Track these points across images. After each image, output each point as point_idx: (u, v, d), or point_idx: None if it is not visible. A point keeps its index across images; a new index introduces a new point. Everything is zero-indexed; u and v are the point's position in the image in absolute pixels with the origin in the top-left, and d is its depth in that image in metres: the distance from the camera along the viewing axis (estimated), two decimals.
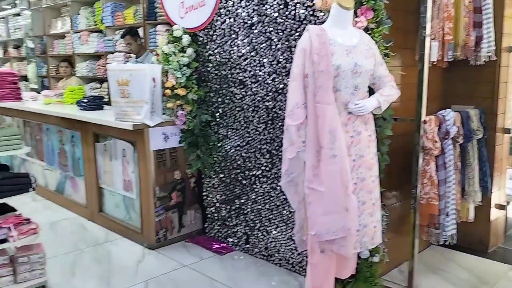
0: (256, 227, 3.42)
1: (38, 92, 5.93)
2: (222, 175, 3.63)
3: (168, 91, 3.53)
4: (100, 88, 6.60)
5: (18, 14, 8.32)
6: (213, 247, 3.64)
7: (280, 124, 3.09)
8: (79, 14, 6.59)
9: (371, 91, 2.49)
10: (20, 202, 2.84)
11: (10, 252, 2.75)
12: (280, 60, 3.03)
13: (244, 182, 3.45)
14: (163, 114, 3.65)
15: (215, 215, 3.77)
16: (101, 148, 4.03)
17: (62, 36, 7.15)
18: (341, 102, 2.32)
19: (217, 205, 3.73)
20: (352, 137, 2.37)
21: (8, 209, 2.86)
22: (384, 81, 2.43)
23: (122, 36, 4.51)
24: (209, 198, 3.80)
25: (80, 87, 5.31)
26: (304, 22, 2.83)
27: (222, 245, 3.68)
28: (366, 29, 2.46)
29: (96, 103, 4.36)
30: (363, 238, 2.42)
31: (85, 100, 4.38)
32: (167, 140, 3.67)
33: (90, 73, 6.65)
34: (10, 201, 2.78)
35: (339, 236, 2.29)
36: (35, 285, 2.72)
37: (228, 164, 3.55)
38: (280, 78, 3.06)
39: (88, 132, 4.15)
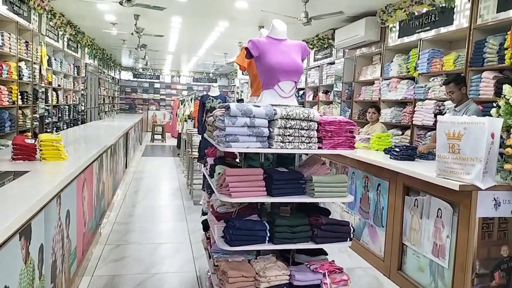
0: None
1: None
2: None
3: (509, 150, 2.92)
4: (402, 135, 6.41)
5: (332, 63, 9.18)
6: None
7: None
8: (392, 61, 6.65)
9: None
10: None
11: None
12: None
13: None
14: (497, 176, 3.04)
15: None
16: (411, 202, 3.73)
17: (370, 82, 7.39)
18: None
19: None
20: None
21: (319, 251, 2.88)
22: None
23: (445, 83, 4.15)
24: None
25: (387, 134, 5.23)
26: None
27: None
28: None
29: (409, 153, 4.12)
30: None
31: (396, 149, 4.21)
32: (498, 208, 3.04)
33: (394, 120, 6.56)
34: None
35: None
36: None
37: None
38: None
39: (397, 183, 3.93)
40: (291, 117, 2.60)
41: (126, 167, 8.79)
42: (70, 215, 3.18)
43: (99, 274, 3.71)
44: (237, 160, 3.37)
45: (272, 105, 2.70)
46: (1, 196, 2.17)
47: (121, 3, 6.25)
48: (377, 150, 4.95)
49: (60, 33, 9.26)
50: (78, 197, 3.50)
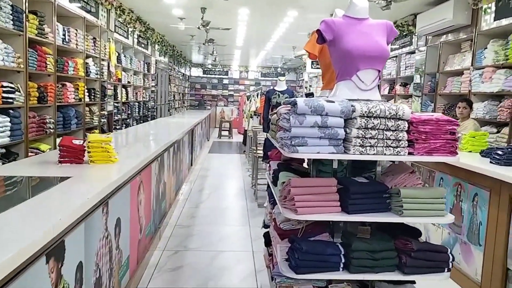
0: None
1: None
2: None
3: None
4: (497, 133, 5.52)
5: (412, 52, 8.32)
6: None
7: None
8: (485, 48, 5.75)
9: None
10: None
11: None
12: None
13: None
14: None
15: None
16: None
17: (458, 73, 6.51)
18: None
19: None
20: None
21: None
22: None
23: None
24: None
25: (483, 133, 4.44)
26: None
27: None
28: None
29: None
30: None
31: (499, 152, 3.47)
32: None
33: (487, 116, 5.67)
34: None
35: None
36: None
37: None
38: None
39: (501, 193, 3.21)
40: (374, 115, 2.07)
41: (191, 165, 8.64)
42: (121, 223, 2.90)
43: (153, 286, 3.42)
44: (305, 165, 2.89)
45: (349, 100, 2.18)
46: (28, 209, 1.87)
47: None
48: (470, 151, 4.21)
49: (130, 29, 9.32)
50: (132, 202, 3.22)
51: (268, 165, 3.17)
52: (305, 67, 18.37)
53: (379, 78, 2.38)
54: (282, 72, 23.40)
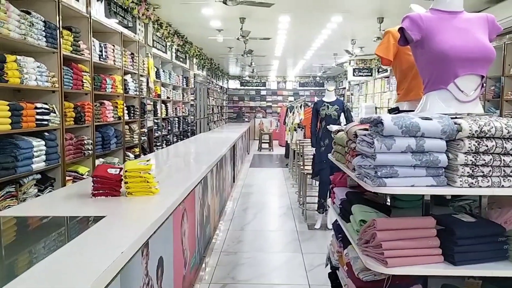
0: None
1: None
2: None
3: None
4: None
5: None
6: None
7: None
8: None
9: None
10: None
11: None
12: None
13: None
14: None
15: None
16: None
17: None
18: None
19: None
20: None
21: None
22: None
23: None
24: None
25: None
26: None
27: None
28: None
29: None
30: None
31: None
32: None
33: None
34: None
35: None
36: None
37: None
38: None
39: None
40: (487, 135, 1.57)
41: (233, 181, 8.26)
42: (164, 262, 2.51)
43: None
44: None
45: (444, 114, 1.70)
46: (47, 270, 1.49)
47: (225, 2, 5.66)
48: None
49: (168, 44, 9.13)
50: (175, 236, 2.83)
51: (329, 193, 2.70)
52: (345, 75, 17.77)
53: (482, 86, 1.87)
54: (321, 82, 22.84)
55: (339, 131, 2.50)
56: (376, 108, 14.46)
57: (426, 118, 1.63)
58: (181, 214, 3.05)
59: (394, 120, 1.59)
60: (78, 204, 2.34)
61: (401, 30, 1.89)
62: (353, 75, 15.22)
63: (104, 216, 2.00)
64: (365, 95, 16.10)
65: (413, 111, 1.93)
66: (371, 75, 15.03)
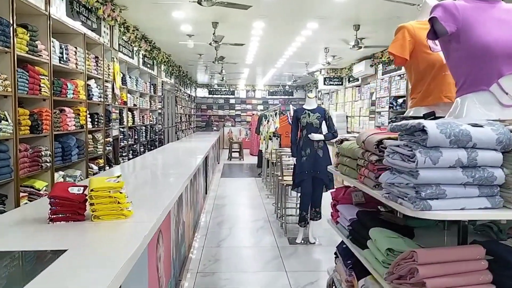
0: None
1: None
2: None
3: None
4: None
5: None
6: None
7: None
8: None
9: None
10: None
11: None
12: None
13: None
14: None
15: None
16: None
17: None
18: None
19: None
20: None
21: None
22: None
23: None
24: None
25: None
26: None
27: None
28: None
29: None
30: None
31: None
32: None
33: None
34: None
35: None
36: None
37: None
38: None
39: None
40: None
41: (206, 192, 7.83)
42: None
43: None
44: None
45: (486, 120, 1.39)
46: None
47: (199, 3, 5.28)
48: None
49: (135, 48, 8.63)
50: (150, 265, 2.41)
51: (333, 209, 2.36)
52: (315, 84, 17.68)
53: None
54: (290, 91, 22.76)
55: (343, 140, 2.17)
56: (347, 116, 14.41)
57: (476, 125, 1.32)
58: (156, 237, 2.63)
59: (440, 127, 1.27)
60: (32, 232, 1.88)
61: (431, 21, 1.58)
62: (324, 84, 15.12)
63: (64, 250, 1.56)
64: (335, 104, 16.06)
65: (443, 117, 1.63)
66: (342, 84, 14.99)
